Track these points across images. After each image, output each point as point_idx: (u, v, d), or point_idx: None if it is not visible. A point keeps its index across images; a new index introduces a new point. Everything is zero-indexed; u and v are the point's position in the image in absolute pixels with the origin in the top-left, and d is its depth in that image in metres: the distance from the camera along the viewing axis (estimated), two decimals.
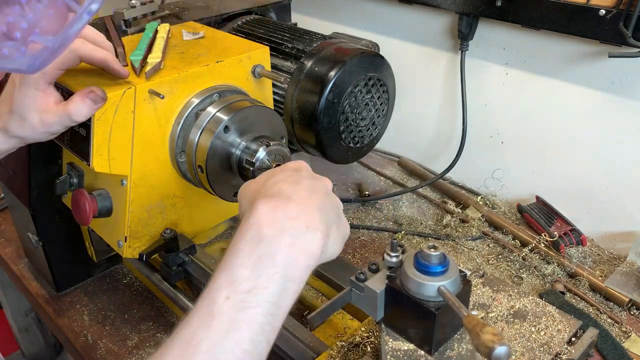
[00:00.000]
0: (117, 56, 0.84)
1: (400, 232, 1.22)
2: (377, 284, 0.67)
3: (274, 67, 1.06)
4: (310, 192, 0.59)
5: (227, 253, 0.54)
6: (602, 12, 0.99)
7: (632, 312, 1.00)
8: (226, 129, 0.83)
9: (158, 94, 0.80)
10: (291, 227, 0.54)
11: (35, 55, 0.42)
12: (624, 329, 0.96)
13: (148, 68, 0.81)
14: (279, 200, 0.57)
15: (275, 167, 0.77)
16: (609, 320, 0.98)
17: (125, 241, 0.87)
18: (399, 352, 0.66)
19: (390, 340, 0.67)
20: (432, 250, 0.63)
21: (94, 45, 0.74)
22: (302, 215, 0.56)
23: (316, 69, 1.01)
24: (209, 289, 0.53)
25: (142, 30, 0.97)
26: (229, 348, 0.49)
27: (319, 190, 0.61)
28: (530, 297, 0.81)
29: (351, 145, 1.07)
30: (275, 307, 0.52)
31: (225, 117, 0.83)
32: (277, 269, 0.52)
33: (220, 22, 1.21)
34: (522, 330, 0.76)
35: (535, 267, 1.10)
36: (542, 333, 0.76)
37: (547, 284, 1.06)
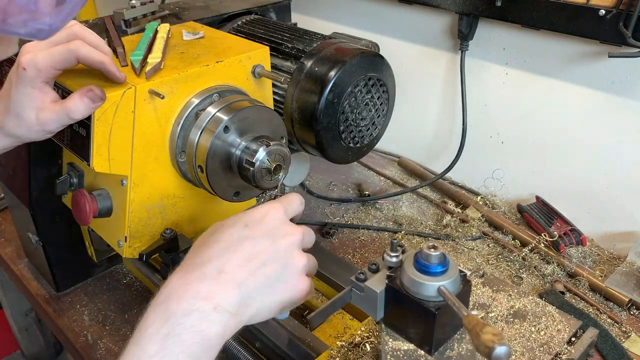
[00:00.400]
0: (117, 56, 0.84)
1: (400, 232, 1.22)
2: (377, 284, 0.67)
3: (274, 67, 1.06)
4: (244, 261, 0.59)
5: (139, 324, 0.56)
6: (602, 12, 0.99)
7: (632, 312, 1.01)
8: (226, 129, 0.83)
9: (158, 94, 0.80)
10: (197, 309, 0.55)
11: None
12: (623, 329, 0.96)
13: (148, 68, 0.81)
14: (193, 275, 0.58)
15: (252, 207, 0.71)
16: (608, 320, 0.98)
17: (125, 241, 0.87)
18: (399, 352, 0.66)
19: (390, 340, 0.67)
20: (432, 250, 0.63)
21: (92, 48, 0.74)
22: (213, 295, 0.56)
23: (316, 69, 1.01)
24: None
25: (142, 30, 0.97)
26: None
27: (261, 255, 0.60)
28: (530, 297, 0.81)
29: (351, 145, 1.07)
30: None
31: (225, 117, 0.83)
32: (183, 347, 0.53)
33: (220, 22, 1.20)
34: (522, 330, 0.76)
35: (535, 267, 1.10)
36: (542, 333, 0.76)
37: (547, 284, 1.06)
